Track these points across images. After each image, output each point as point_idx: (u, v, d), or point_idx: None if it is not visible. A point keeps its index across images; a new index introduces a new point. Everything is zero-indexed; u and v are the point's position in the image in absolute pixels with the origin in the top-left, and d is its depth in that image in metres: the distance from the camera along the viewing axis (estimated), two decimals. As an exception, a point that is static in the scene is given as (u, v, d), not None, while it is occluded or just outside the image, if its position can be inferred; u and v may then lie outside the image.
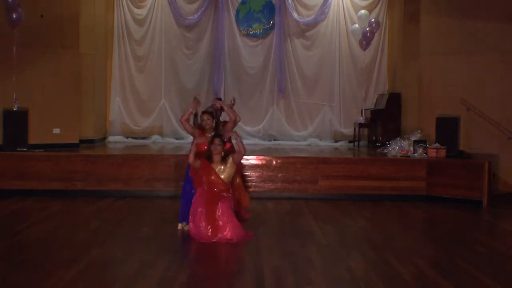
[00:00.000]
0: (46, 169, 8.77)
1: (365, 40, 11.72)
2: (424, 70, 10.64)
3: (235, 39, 12.73)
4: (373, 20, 11.70)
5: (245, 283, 4.75)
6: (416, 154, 9.33)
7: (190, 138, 12.21)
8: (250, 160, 8.89)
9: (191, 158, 6.15)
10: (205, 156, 6.23)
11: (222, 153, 6.20)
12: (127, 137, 12.53)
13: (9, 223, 7.00)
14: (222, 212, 6.02)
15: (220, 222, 6.01)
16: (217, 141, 6.16)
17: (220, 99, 7.90)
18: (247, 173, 8.82)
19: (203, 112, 6.67)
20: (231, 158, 6.20)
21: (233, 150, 6.63)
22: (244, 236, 6.09)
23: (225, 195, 6.17)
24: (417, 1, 10.97)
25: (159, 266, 5.07)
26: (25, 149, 9.30)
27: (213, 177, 6.13)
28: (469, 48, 9.95)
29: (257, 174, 8.87)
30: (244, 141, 13.36)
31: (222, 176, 6.16)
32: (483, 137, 9.59)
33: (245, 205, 7.00)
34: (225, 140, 6.43)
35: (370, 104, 12.43)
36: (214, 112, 6.80)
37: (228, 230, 6.00)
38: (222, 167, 6.18)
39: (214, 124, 6.58)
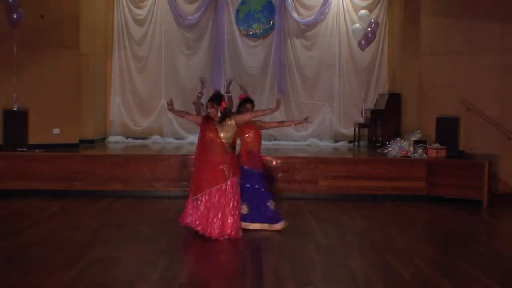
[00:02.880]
0: (46, 169, 8.77)
1: (366, 40, 11.72)
2: (424, 70, 10.64)
3: (235, 39, 12.73)
4: (372, 20, 11.71)
5: (245, 283, 4.75)
6: (416, 154, 9.33)
7: (190, 139, 12.19)
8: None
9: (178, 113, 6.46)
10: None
11: (219, 113, 6.09)
12: (127, 137, 12.53)
13: (9, 223, 7.00)
14: (223, 204, 6.02)
15: (218, 215, 6.02)
16: (209, 105, 6.11)
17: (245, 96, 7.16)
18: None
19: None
20: (233, 120, 6.10)
21: (230, 111, 6.39)
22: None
23: (222, 168, 6.03)
24: (417, 1, 10.97)
25: (159, 266, 5.07)
26: (25, 149, 9.30)
27: (211, 134, 6.08)
28: (469, 48, 9.95)
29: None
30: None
31: (221, 135, 6.08)
32: (483, 137, 9.59)
33: None
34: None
35: (370, 104, 12.43)
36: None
37: (228, 225, 6.02)
38: (221, 127, 6.09)
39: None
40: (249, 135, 6.64)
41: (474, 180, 8.51)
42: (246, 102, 6.68)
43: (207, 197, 6.06)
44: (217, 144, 6.08)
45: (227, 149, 6.12)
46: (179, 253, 5.82)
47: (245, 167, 6.52)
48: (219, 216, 6.02)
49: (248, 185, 6.50)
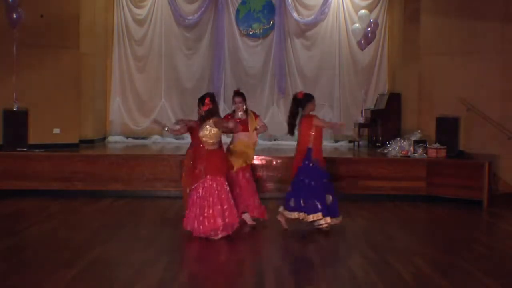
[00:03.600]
0: (46, 169, 8.77)
1: (365, 40, 11.72)
2: (424, 70, 10.64)
3: (235, 39, 12.73)
4: (372, 20, 11.71)
5: (245, 283, 4.75)
6: (416, 154, 9.33)
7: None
8: (250, 160, 8.89)
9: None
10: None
11: (203, 113, 6.23)
12: (127, 137, 12.54)
13: (9, 223, 7.00)
14: (211, 197, 6.04)
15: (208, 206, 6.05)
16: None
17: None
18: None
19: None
20: (212, 120, 6.17)
21: (213, 112, 6.42)
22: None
23: (201, 168, 6.11)
24: (417, 1, 10.97)
25: (159, 266, 5.07)
26: (25, 149, 9.31)
27: (194, 133, 6.39)
28: (469, 48, 9.94)
29: (257, 174, 8.86)
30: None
31: (199, 133, 6.17)
32: (483, 137, 9.58)
33: (261, 217, 6.88)
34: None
35: (370, 104, 12.42)
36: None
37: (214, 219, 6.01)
38: (201, 126, 6.22)
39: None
40: (314, 133, 6.80)
41: (474, 180, 8.51)
42: (309, 101, 6.86)
43: (190, 195, 6.18)
44: (197, 143, 6.27)
45: (205, 148, 6.19)
46: (179, 253, 5.82)
47: (315, 165, 6.61)
48: (196, 214, 6.05)
49: (325, 180, 6.59)
